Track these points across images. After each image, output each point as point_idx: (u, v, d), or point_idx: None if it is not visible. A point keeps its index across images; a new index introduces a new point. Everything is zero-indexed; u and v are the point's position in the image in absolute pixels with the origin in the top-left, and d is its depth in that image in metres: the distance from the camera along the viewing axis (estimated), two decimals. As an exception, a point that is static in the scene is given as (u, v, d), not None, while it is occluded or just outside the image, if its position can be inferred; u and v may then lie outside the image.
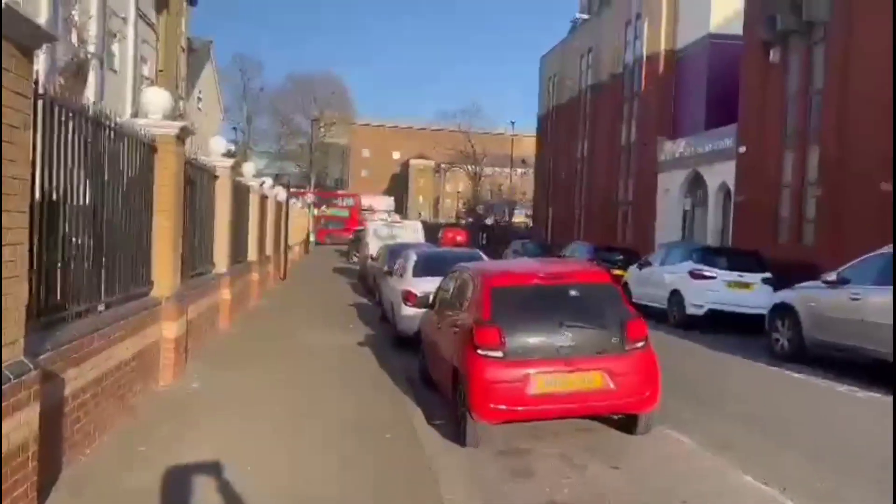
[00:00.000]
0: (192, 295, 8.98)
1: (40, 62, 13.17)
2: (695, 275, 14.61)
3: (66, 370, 4.85)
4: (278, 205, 22.08)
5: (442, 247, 26.97)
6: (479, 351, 6.13)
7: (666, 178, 28.67)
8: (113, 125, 6.08)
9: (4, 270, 3.71)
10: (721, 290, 14.27)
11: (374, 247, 21.10)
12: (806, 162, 20.05)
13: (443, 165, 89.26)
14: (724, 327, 13.84)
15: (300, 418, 6.76)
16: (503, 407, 6.02)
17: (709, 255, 15.51)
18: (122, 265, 6.51)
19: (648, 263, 17.18)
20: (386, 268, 14.63)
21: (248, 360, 9.42)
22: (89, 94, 16.54)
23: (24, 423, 3.90)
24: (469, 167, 74.20)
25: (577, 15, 41.63)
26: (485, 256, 13.08)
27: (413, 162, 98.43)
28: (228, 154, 12.75)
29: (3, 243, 3.68)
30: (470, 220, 62.67)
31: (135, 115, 8.29)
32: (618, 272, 17.81)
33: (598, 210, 35.13)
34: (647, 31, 30.62)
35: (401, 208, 77.84)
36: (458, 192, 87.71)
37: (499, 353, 6.10)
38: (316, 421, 6.70)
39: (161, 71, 25.68)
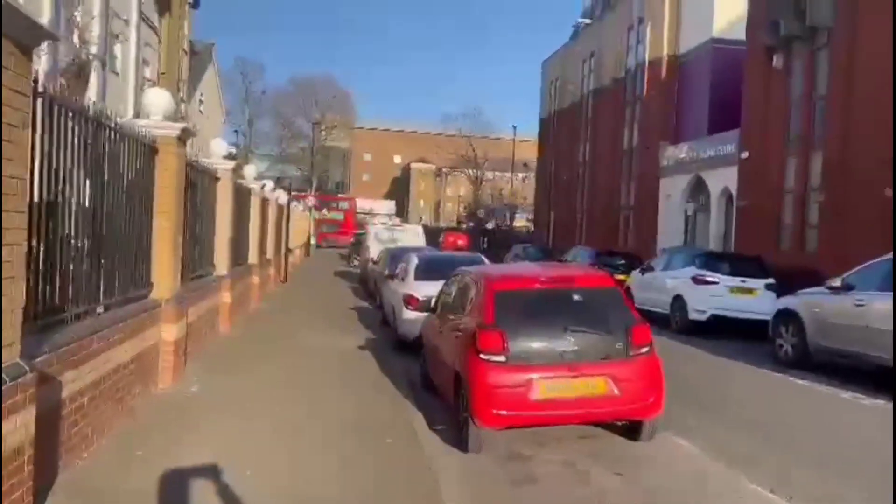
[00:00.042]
0: (192, 297, 8.92)
1: (42, 63, 13.14)
2: (698, 280, 14.56)
3: (64, 373, 4.78)
4: (279, 208, 22.04)
5: (443, 250, 26.93)
6: (482, 355, 6.06)
7: (668, 182, 28.63)
8: (113, 125, 6.02)
9: (2, 271, 3.64)
10: (724, 296, 14.22)
11: (374, 250, 21.05)
12: (809, 167, 19.99)
13: (444, 169, 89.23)
14: (726, 333, 13.77)
15: (300, 422, 6.70)
16: (506, 412, 5.95)
17: (712, 261, 15.46)
18: (122, 267, 6.45)
19: (651, 268, 17.12)
20: (387, 271, 14.57)
21: (247, 364, 9.35)
22: (91, 95, 16.49)
23: (19, 427, 3.83)
24: (470, 171, 74.16)
25: (580, 20, 41.64)
26: (486, 260, 13.02)
27: (414, 166, 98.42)
28: (229, 157, 12.70)
29: (0, 244, 3.62)
30: (471, 224, 62.62)
31: (136, 116, 8.23)
32: (620, 277, 17.70)
33: (599, 214, 35.08)
34: (650, 36, 30.61)
35: (402, 212, 77.89)
36: (460, 196, 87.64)
37: (501, 358, 6.03)
38: (316, 425, 6.64)
39: (163, 73, 25.67)
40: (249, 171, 15.47)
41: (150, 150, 7.17)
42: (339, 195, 71.01)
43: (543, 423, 6.35)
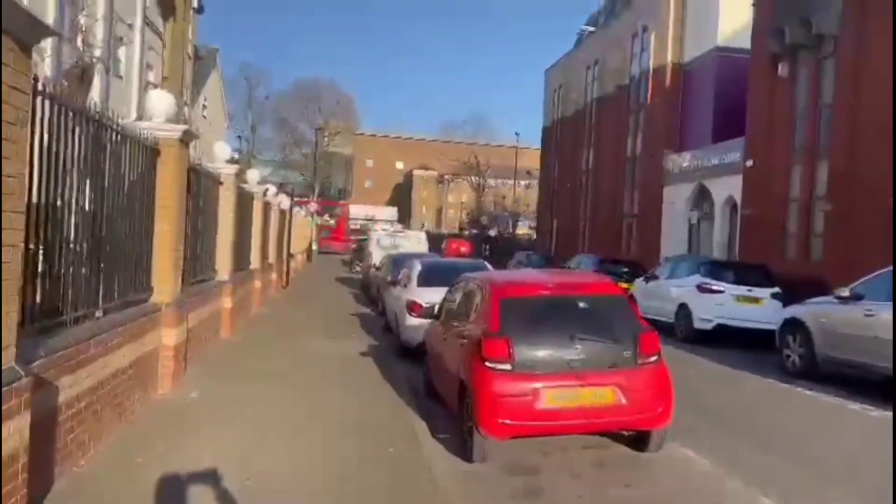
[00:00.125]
0: (192, 302, 8.82)
1: (46, 64, 13.08)
2: (703, 288, 14.44)
3: (61, 377, 4.68)
4: (282, 213, 21.97)
5: (446, 257, 26.82)
6: (487, 363, 5.95)
7: (672, 190, 28.54)
8: (115, 126, 5.93)
9: (-3, 272, 3.55)
10: (729, 305, 14.10)
11: (377, 256, 20.98)
12: (814, 176, 19.89)
13: (446, 176, 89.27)
14: (731, 342, 13.65)
15: (301, 429, 6.59)
16: (511, 422, 5.83)
17: (717, 269, 15.34)
18: (122, 270, 6.35)
19: (655, 277, 17.01)
20: (390, 277, 14.47)
21: (248, 370, 9.25)
22: (94, 98, 16.45)
23: (14, 433, 3.73)
24: (472, 179, 74.17)
25: (584, 27, 41.65)
26: (490, 267, 12.92)
27: (416, 172, 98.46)
28: (232, 160, 12.62)
29: (-3, 244, 3.53)
30: (473, 230, 62.57)
31: (139, 119, 8.16)
32: (623, 285, 17.57)
33: (602, 222, 34.99)
34: (654, 44, 30.57)
35: (404, 219, 77.82)
36: (462, 203, 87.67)
37: (507, 366, 5.92)
38: (317, 432, 6.53)
39: (166, 78, 25.61)
40: (252, 175, 15.40)
41: (151, 151, 7.08)
42: (332, 201, 70.96)
43: (550, 432, 6.24)
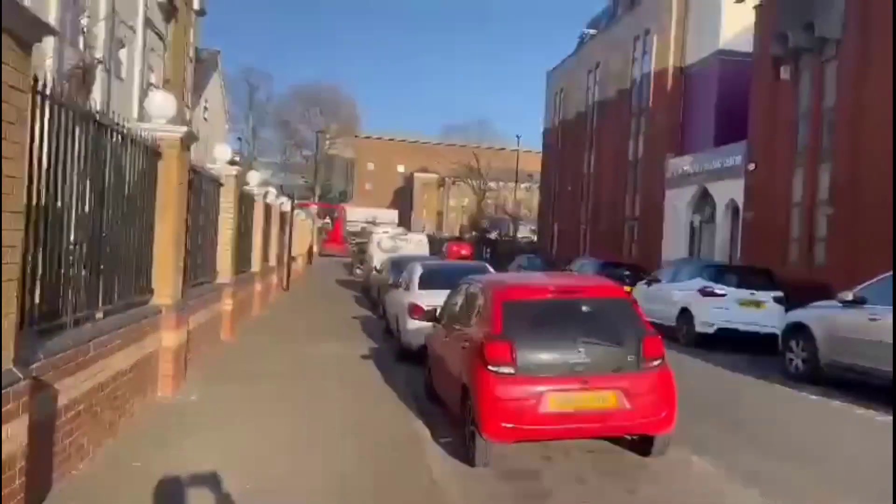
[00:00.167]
0: (193, 304, 8.78)
1: (48, 65, 13.05)
2: (705, 292, 14.38)
3: (59, 380, 4.63)
4: (283, 215, 21.92)
5: (446, 260, 26.72)
6: (490, 367, 5.89)
7: (673, 194, 28.48)
8: (116, 127, 5.89)
9: (-5, 274, 3.51)
10: (732, 309, 14.04)
11: (378, 259, 20.91)
12: (817, 180, 19.82)
13: (447, 179, 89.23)
14: (734, 346, 13.58)
15: (301, 432, 6.55)
16: (514, 426, 5.77)
17: (719, 273, 15.29)
18: (122, 272, 6.30)
19: (657, 280, 16.94)
20: (391, 280, 14.41)
21: (248, 372, 9.21)
22: (95, 100, 16.42)
23: (11, 437, 3.68)
24: (473, 182, 74.13)
25: (586, 30, 41.65)
26: (491, 269, 12.87)
27: (417, 175, 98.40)
28: (233, 163, 12.58)
29: (-4, 245, 3.49)
30: (473, 234, 62.51)
31: (140, 120, 8.15)
32: (626, 289, 17.55)
33: (604, 226, 34.94)
34: (657, 47, 30.55)
35: (404, 222, 77.74)
36: (463, 206, 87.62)
37: (510, 370, 5.86)
38: (317, 435, 6.49)
39: (168, 80, 25.59)
40: (254, 177, 15.36)
41: (152, 153, 7.04)
42: (329, 204, 70.74)
43: (553, 437, 6.19)
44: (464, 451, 6.21)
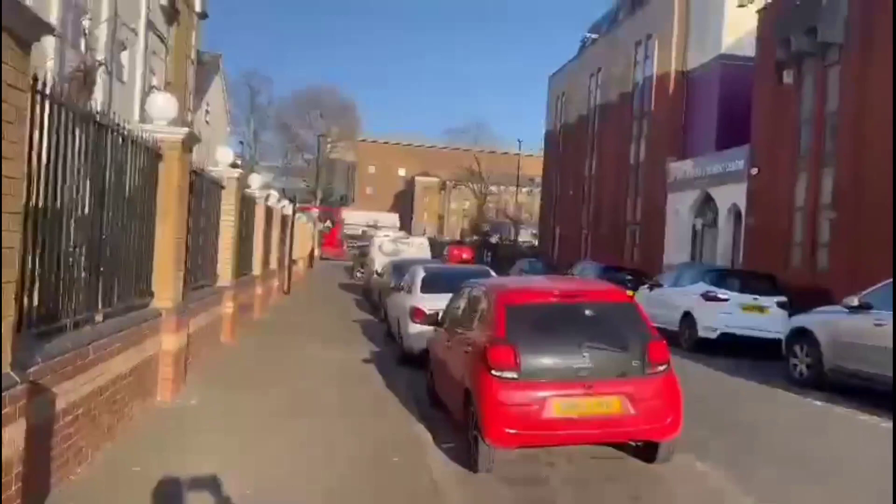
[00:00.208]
0: (193, 307, 8.72)
1: (49, 67, 13.01)
2: (708, 297, 14.31)
3: (58, 384, 4.56)
4: (284, 218, 21.87)
5: (448, 264, 26.64)
6: (493, 371, 5.83)
7: (675, 198, 28.44)
8: (116, 128, 5.84)
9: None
10: (735, 313, 13.97)
11: (379, 262, 20.86)
12: (820, 184, 19.77)
13: (448, 183, 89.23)
14: (737, 351, 13.51)
15: (301, 437, 6.50)
16: (517, 431, 5.70)
17: (722, 277, 15.23)
18: (122, 274, 6.25)
19: (659, 284, 16.88)
20: (393, 283, 14.36)
21: (249, 376, 9.15)
22: (96, 101, 16.39)
23: (8, 441, 3.62)
24: (474, 186, 74.14)
25: (587, 34, 41.65)
26: (493, 273, 12.81)
27: (418, 179, 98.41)
28: (234, 166, 12.54)
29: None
30: (475, 237, 62.48)
31: (141, 122, 8.12)
32: (628, 293, 17.49)
33: (605, 230, 34.89)
34: (658, 51, 30.54)
35: (405, 225, 77.68)
36: (464, 210, 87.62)
37: (513, 374, 5.79)
38: (318, 440, 6.43)
39: (169, 83, 25.56)
40: (255, 180, 15.31)
41: (153, 154, 6.99)
42: (328, 207, 70.62)
43: (556, 442, 6.12)
44: (466, 457, 6.14)
